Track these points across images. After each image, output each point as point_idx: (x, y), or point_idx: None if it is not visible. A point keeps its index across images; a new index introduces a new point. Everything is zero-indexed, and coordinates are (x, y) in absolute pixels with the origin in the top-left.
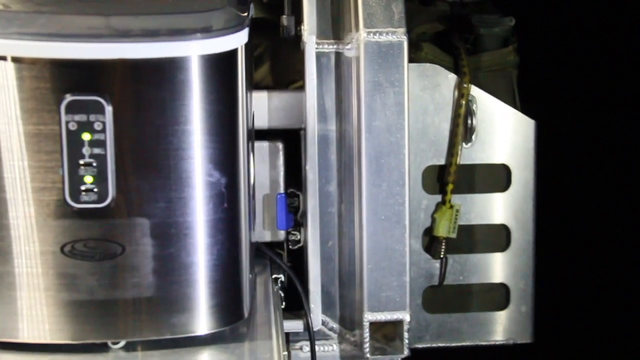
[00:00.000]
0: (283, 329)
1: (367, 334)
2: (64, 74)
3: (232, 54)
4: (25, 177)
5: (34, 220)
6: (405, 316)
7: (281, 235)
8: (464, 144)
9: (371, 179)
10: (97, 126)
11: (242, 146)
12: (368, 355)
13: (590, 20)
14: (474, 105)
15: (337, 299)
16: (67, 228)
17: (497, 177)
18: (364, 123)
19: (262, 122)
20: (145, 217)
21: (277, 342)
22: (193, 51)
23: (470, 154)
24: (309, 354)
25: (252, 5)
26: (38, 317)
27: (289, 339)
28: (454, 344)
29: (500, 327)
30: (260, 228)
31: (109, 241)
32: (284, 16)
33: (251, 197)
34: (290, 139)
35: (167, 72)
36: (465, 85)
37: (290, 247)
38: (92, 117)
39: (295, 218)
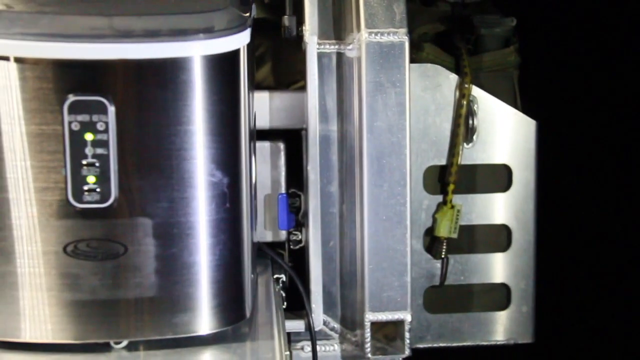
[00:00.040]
0: (285, 329)
1: (368, 334)
2: (66, 74)
3: (235, 54)
4: (27, 177)
5: (36, 220)
6: (407, 316)
7: (282, 235)
8: (465, 144)
9: (372, 179)
10: (100, 126)
11: (244, 146)
12: (369, 355)
13: (591, 20)
14: (475, 105)
15: (339, 299)
16: (69, 228)
17: (498, 177)
18: (365, 123)
19: (263, 122)
20: (148, 217)
21: (279, 342)
22: (195, 51)
23: (471, 154)
24: (310, 354)
25: (253, 6)
26: (41, 317)
27: (291, 339)
28: (455, 344)
29: (501, 327)
30: (261, 228)
31: (112, 241)
32: (286, 16)
33: (253, 197)
34: (291, 139)
35: (170, 72)
36: (466, 86)
37: (291, 247)
38: (94, 118)
39: (297, 218)
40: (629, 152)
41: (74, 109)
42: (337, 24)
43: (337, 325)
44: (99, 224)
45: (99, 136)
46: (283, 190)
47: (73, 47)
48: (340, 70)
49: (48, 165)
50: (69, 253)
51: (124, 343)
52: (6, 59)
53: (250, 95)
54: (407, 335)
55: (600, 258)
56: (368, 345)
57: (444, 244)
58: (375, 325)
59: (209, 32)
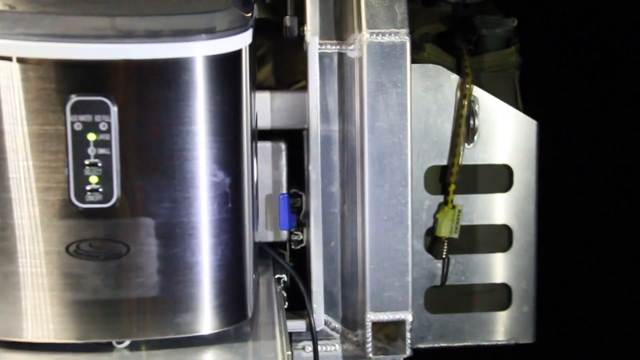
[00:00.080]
0: (286, 329)
1: (369, 334)
2: (69, 74)
3: (237, 54)
4: (30, 177)
5: (39, 220)
6: (408, 316)
7: (284, 235)
8: (466, 144)
9: (374, 179)
10: (103, 126)
11: (246, 146)
12: (370, 355)
13: (592, 20)
14: (476, 105)
15: (340, 299)
16: (72, 228)
17: (499, 178)
18: (366, 123)
19: (264, 122)
20: (150, 217)
21: (281, 342)
22: (198, 52)
23: (473, 155)
24: (311, 354)
25: (255, 6)
26: (43, 317)
27: (292, 339)
28: (456, 344)
29: (502, 328)
30: (262, 228)
31: (114, 241)
32: (287, 17)
33: (255, 197)
34: (292, 140)
35: (172, 72)
36: (467, 86)
37: (292, 247)
38: (97, 118)
39: (298, 218)
40: (630, 152)
41: (77, 109)
42: (338, 25)
43: (338, 325)
44: (101, 224)
45: (102, 136)
46: (284, 190)
47: (76, 48)
48: (342, 70)
49: (50, 165)
50: (71, 253)
51: (126, 343)
52: (9, 59)
53: (252, 95)
54: (408, 335)
55: (601, 258)
56: (369, 345)
57: (445, 244)
58: (377, 325)
59: (211, 32)
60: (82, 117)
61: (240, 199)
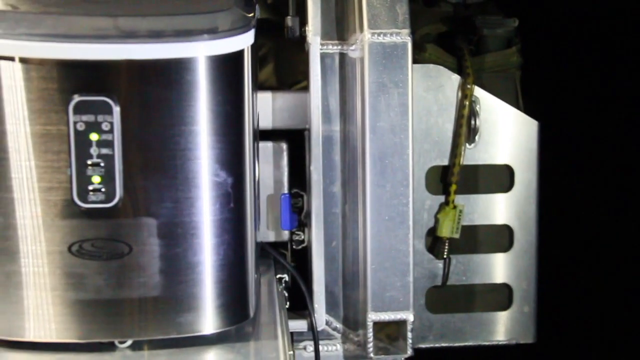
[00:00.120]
0: (288, 329)
1: (370, 334)
2: (71, 74)
3: (239, 54)
4: (32, 177)
5: (41, 220)
6: (409, 316)
7: (285, 235)
8: (467, 144)
9: (375, 179)
10: (105, 126)
11: (248, 146)
12: (372, 355)
13: (594, 21)
14: (478, 106)
15: (341, 299)
16: (74, 228)
17: (500, 178)
18: (368, 124)
19: (266, 122)
20: (153, 217)
21: (283, 342)
22: (200, 52)
23: (474, 155)
24: (312, 354)
25: (257, 6)
26: (45, 317)
27: (293, 338)
28: (457, 344)
29: (503, 328)
30: (264, 228)
31: (116, 241)
32: (289, 17)
33: (256, 197)
34: (294, 140)
35: (175, 72)
36: (468, 86)
37: (294, 247)
38: (99, 118)
39: (299, 218)
40: (631, 153)
41: (79, 109)
42: (339, 25)
43: (339, 325)
44: (103, 223)
45: (104, 136)
46: (286, 190)
47: (78, 48)
48: (343, 70)
49: (53, 165)
50: (73, 253)
51: (129, 342)
52: (11, 59)
53: (254, 95)
54: (409, 335)
55: (602, 258)
56: (370, 345)
57: (446, 244)
58: (378, 325)
59: (214, 32)
60: (85, 117)
61: (242, 199)
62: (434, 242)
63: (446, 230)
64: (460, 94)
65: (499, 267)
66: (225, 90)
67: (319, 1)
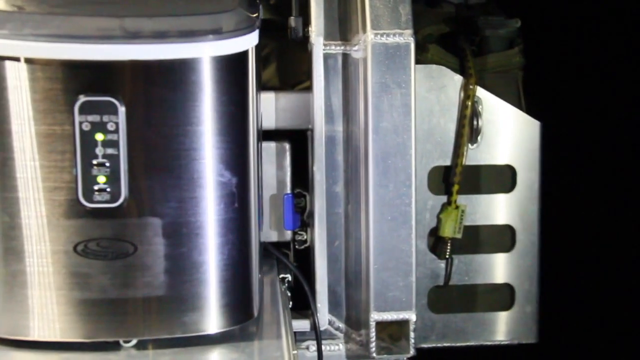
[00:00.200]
0: (292, 328)
1: (373, 334)
2: (77, 75)
3: (243, 55)
4: (37, 177)
5: (47, 220)
6: (412, 316)
7: (288, 235)
8: (469, 144)
9: (378, 179)
10: (110, 127)
11: (252, 147)
12: (374, 354)
13: (596, 21)
14: (480, 106)
15: (344, 298)
16: (80, 227)
17: (502, 178)
18: (371, 124)
19: (269, 122)
20: (157, 216)
21: (287, 341)
22: (205, 53)
23: (476, 155)
24: (315, 354)
25: (260, 7)
26: (50, 316)
27: (296, 338)
28: (459, 344)
29: (505, 328)
30: (267, 228)
31: (122, 240)
32: (292, 17)
33: (260, 197)
34: (297, 140)
35: (179, 73)
36: (471, 87)
37: (296, 247)
38: (105, 118)
39: (302, 218)
40: (633, 153)
41: (85, 109)
42: (342, 25)
43: (342, 325)
44: (109, 223)
45: (110, 136)
46: (288, 190)
47: (84, 48)
48: (346, 71)
49: (58, 165)
50: (79, 252)
51: (133, 342)
52: (17, 59)
53: (258, 95)
54: (412, 335)
55: (604, 258)
56: (373, 344)
57: (448, 244)
58: (380, 325)
59: (218, 33)
60: (90, 118)
61: (246, 199)
62: (436, 242)
63: (448, 231)
64: (462, 94)
65: (501, 267)
66: (230, 90)
67: (322, 2)
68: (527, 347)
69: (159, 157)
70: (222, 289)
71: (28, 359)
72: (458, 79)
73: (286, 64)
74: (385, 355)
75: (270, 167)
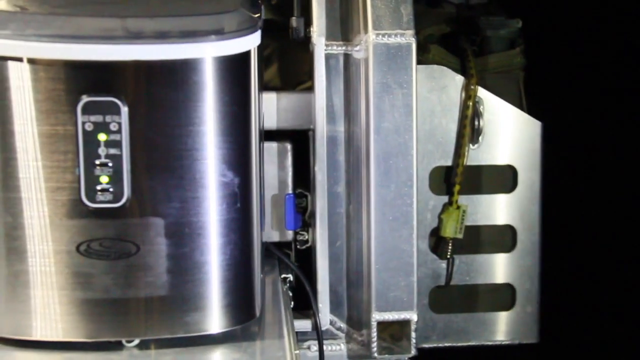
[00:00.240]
0: (294, 328)
1: (374, 334)
2: (80, 75)
3: (245, 55)
4: (40, 177)
5: (49, 220)
6: (413, 316)
7: (289, 235)
8: (470, 145)
9: (379, 179)
10: (113, 127)
11: (254, 147)
12: (375, 354)
13: (597, 21)
14: (481, 106)
15: (345, 298)
16: (82, 227)
17: (503, 178)
18: (372, 124)
19: (270, 122)
20: (160, 216)
21: (289, 341)
22: (207, 53)
23: (477, 155)
24: (316, 354)
25: (262, 7)
26: (53, 316)
27: (297, 338)
28: (460, 344)
29: (506, 328)
30: (268, 228)
31: (124, 240)
32: (294, 18)
33: (262, 197)
34: (298, 140)
35: (182, 73)
36: (472, 87)
37: (298, 247)
38: (108, 118)
39: (304, 218)
40: (634, 153)
41: (88, 109)
42: (344, 26)
43: (343, 325)
44: (111, 223)
45: (112, 136)
46: (290, 190)
47: (86, 49)
48: (348, 71)
49: (61, 165)
50: (81, 252)
51: (136, 342)
52: (19, 59)
53: (260, 96)
54: (413, 335)
55: (605, 259)
56: (374, 344)
57: (450, 244)
58: (382, 324)
59: (221, 33)
60: (93, 118)
61: (248, 199)
62: (437, 242)
63: (450, 231)
64: (463, 94)
65: (502, 267)
66: (232, 90)
67: (323, 2)
68: (528, 347)
69: (161, 157)
70: (225, 289)
71: (31, 359)
72: (459, 79)
73: (288, 64)
74: (386, 355)
75: (272, 167)
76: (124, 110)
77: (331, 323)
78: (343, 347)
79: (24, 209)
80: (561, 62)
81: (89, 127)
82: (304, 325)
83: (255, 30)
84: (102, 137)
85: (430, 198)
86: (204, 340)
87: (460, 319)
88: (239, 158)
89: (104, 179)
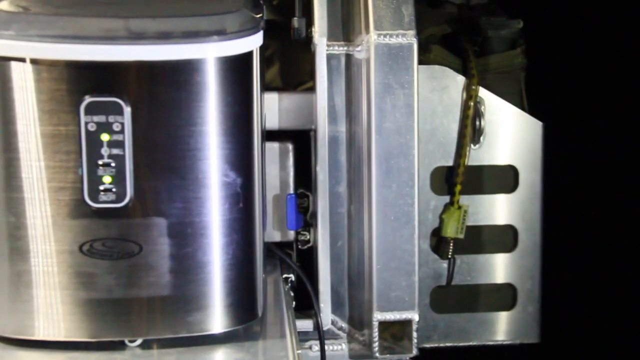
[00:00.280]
0: (296, 328)
1: (376, 334)
2: (82, 75)
3: (248, 56)
4: (43, 178)
5: (52, 220)
6: (414, 316)
7: (291, 235)
8: (472, 145)
9: (381, 179)
10: (116, 127)
11: (257, 147)
12: (377, 354)
13: (598, 22)
14: (482, 106)
15: (346, 298)
16: (85, 227)
17: (504, 178)
18: (374, 124)
19: (272, 123)
20: (163, 216)
21: (291, 341)
22: (210, 53)
23: (478, 155)
24: (318, 353)
25: (264, 8)
26: (55, 315)
27: (299, 338)
28: (461, 344)
29: (507, 328)
30: (270, 228)
31: (127, 240)
32: (295, 18)
33: (264, 197)
34: (300, 140)
35: (184, 73)
36: (473, 87)
37: (299, 247)
38: (110, 118)
39: (305, 218)
40: (635, 154)
41: (90, 109)
42: (345, 26)
43: (345, 325)
44: (114, 223)
45: (115, 137)
46: (291, 190)
47: (89, 49)
48: (349, 71)
49: (64, 165)
50: (84, 252)
51: (138, 341)
52: (22, 60)
53: (262, 96)
54: (414, 334)
55: (606, 258)
56: (376, 344)
57: (451, 244)
58: (383, 324)
59: (223, 34)
60: (96, 118)
61: (251, 199)
62: (438, 242)
63: (451, 231)
64: (465, 95)
65: (503, 267)
66: (235, 91)
67: (325, 3)
68: (529, 347)
69: (164, 157)
70: (227, 288)
71: (34, 359)
72: (460, 79)
73: (289, 65)
74: (388, 355)
75: (274, 167)
76: (127, 110)
77: (333, 323)
78: (344, 347)
79: (26, 209)
80: (562, 63)
81: (91, 127)
82: (306, 325)
83: (258, 31)
84: (104, 137)
85: (432, 198)
86: (206, 340)
87: (461, 319)
88: (241, 158)
89: (107, 179)
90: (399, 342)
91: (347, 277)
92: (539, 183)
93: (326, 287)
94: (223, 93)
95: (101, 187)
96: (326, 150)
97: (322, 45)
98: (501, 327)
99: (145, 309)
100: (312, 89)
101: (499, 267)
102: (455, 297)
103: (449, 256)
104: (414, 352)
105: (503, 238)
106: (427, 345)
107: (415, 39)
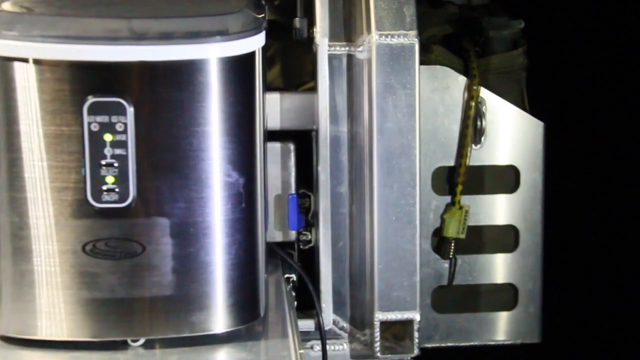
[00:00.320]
0: (298, 328)
1: (377, 334)
2: (85, 76)
3: (250, 56)
4: (45, 178)
5: (55, 220)
6: (416, 316)
7: (292, 235)
8: (473, 145)
9: (382, 180)
10: (119, 127)
11: (259, 147)
12: (378, 354)
13: (599, 22)
14: (484, 107)
15: (348, 298)
16: (88, 227)
17: (505, 179)
18: (375, 125)
19: (274, 123)
20: (165, 216)
21: (294, 341)
22: (212, 54)
23: (480, 156)
24: (319, 353)
25: (266, 8)
26: (58, 315)
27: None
28: (462, 344)
29: (509, 327)
30: (271, 228)
31: (130, 240)
32: (297, 18)
33: (266, 197)
34: (301, 140)
35: (187, 74)
36: (474, 87)
37: (301, 247)
38: (113, 119)
39: (307, 218)
40: (636, 154)
41: (93, 110)
42: (347, 26)
43: (346, 325)
44: (117, 223)
45: (118, 137)
46: (293, 190)
47: (92, 49)
48: (351, 72)
49: (67, 165)
50: (87, 252)
51: (141, 341)
52: (25, 60)
53: (264, 96)
54: (416, 334)
55: (607, 259)
56: (377, 344)
57: (452, 244)
58: (385, 324)
59: (225, 34)
60: (99, 118)
61: (253, 199)
62: (440, 243)
63: (452, 231)
64: (466, 95)
65: (504, 267)
66: (237, 91)
67: (326, 3)
68: (530, 347)
69: (167, 157)
70: (229, 288)
71: (36, 358)
72: (462, 79)
73: (290, 65)
74: (389, 355)
75: (275, 167)
76: (130, 110)
77: (334, 323)
78: (346, 346)
79: (29, 209)
80: (563, 63)
81: (94, 127)
82: (307, 325)
83: (260, 31)
84: (108, 137)
85: (433, 198)
86: (209, 339)
87: (462, 319)
88: (243, 158)
89: (110, 179)
90: (401, 342)
91: (348, 277)
92: (540, 183)
93: (328, 287)
94: (225, 93)
95: (104, 187)
96: (328, 150)
97: (323, 45)
98: (502, 327)
99: (148, 308)
100: (313, 89)
101: (500, 267)
102: (456, 297)
103: (450, 256)
104: (416, 352)
105: (504, 238)
106: (429, 345)
107: (416, 40)
